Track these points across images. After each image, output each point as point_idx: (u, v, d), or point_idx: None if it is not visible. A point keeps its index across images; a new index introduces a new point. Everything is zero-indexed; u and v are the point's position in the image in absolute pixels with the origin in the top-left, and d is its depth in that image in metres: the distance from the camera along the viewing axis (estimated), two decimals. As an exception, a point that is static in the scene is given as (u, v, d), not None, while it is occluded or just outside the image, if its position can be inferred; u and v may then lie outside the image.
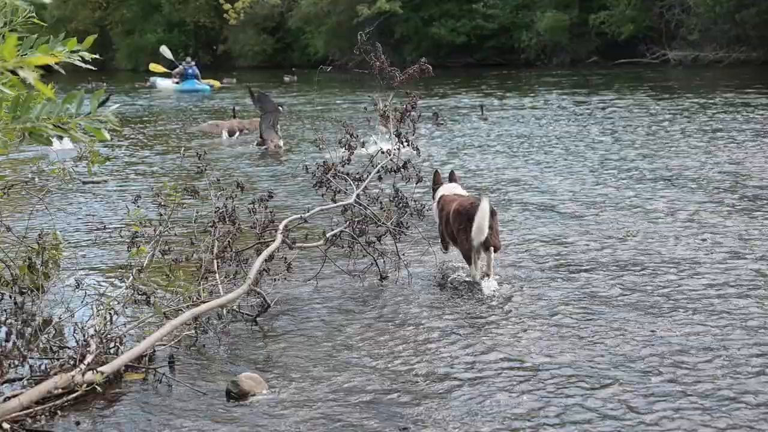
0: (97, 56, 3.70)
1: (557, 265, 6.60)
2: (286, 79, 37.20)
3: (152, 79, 35.46)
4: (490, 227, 5.96)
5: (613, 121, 16.50)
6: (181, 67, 34.23)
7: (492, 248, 6.07)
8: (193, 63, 34.69)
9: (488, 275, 6.12)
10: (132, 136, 17.05)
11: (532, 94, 23.95)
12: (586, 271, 6.40)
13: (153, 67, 35.91)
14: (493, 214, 6.04)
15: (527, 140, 14.43)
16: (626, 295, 5.79)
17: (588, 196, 9.34)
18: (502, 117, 18.38)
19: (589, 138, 14.31)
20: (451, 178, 7.16)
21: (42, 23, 4.12)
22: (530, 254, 6.95)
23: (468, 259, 6.19)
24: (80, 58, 3.54)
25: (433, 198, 6.99)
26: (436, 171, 7.31)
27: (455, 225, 6.26)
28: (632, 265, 6.48)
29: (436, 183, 7.07)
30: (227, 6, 53.34)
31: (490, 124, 16.95)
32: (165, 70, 35.03)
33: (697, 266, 6.40)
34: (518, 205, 9.06)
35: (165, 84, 34.40)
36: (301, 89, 29.33)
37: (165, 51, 35.07)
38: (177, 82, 33.76)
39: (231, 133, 16.90)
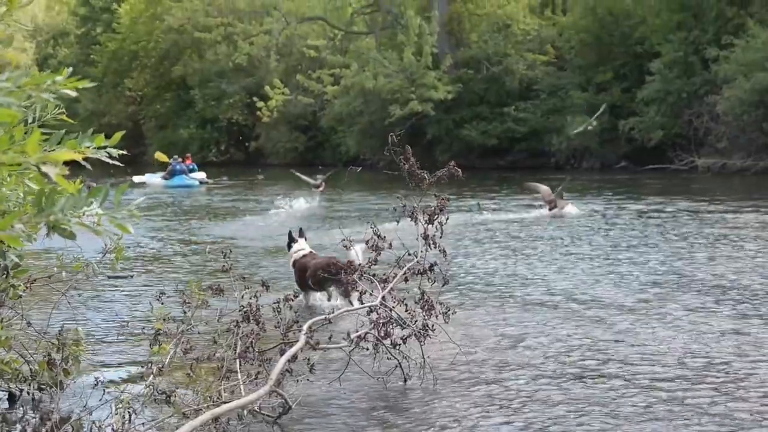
0: (124, 152, 3.71)
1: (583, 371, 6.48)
2: (260, 177, 39.07)
3: (142, 177, 35.98)
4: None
5: (641, 226, 16.42)
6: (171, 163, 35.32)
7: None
8: (180, 159, 35.65)
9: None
10: (158, 230, 17.14)
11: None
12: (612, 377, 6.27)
13: (158, 155, 36.59)
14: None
15: (552, 243, 14.37)
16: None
17: (620, 302, 9.22)
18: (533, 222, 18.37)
19: (619, 243, 14.23)
20: (291, 239, 9.22)
21: (71, 121, 4.14)
22: (544, 353, 6.83)
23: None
24: (107, 154, 3.54)
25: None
26: (290, 231, 9.39)
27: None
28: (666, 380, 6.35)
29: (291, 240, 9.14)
30: (261, 104, 54.11)
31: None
32: (168, 161, 35.88)
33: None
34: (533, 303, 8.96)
35: (155, 180, 35.19)
36: (331, 188, 29.47)
37: (160, 156, 35.84)
38: (166, 178, 34.65)
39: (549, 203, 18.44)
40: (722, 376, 6.35)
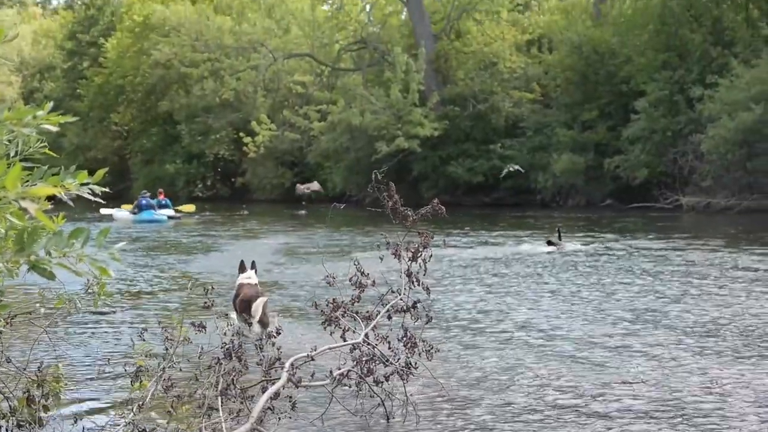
0: (106, 189, 3.70)
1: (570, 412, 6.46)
2: (243, 212, 40.31)
3: (110, 210, 36.12)
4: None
5: (621, 264, 16.46)
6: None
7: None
8: (147, 194, 36.09)
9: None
10: (141, 266, 17.09)
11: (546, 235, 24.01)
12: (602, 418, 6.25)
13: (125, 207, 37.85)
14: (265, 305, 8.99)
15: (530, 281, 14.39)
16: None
17: (607, 343, 9.22)
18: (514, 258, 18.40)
19: (604, 282, 14.26)
20: (242, 268, 9.78)
21: (55, 155, 4.14)
22: (538, 398, 6.81)
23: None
24: (90, 191, 3.53)
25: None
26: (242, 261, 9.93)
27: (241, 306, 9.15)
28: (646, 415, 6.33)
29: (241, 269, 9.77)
30: (247, 139, 54.23)
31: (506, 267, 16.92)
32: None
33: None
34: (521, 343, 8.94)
35: (122, 215, 35.40)
36: (313, 224, 29.48)
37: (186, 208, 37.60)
38: (134, 212, 34.94)
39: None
40: (696, 413, 6.34)
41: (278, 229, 23.67)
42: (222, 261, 18.32)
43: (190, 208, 39.74)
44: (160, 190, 39.34)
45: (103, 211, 34.89)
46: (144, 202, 34.99)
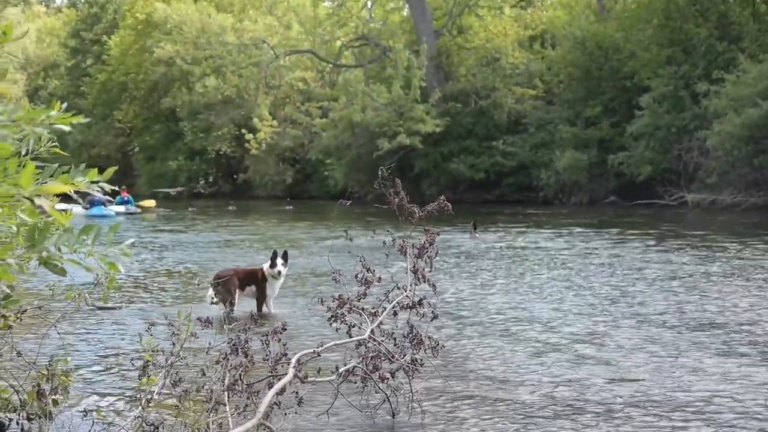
0: (115, 188, 3.74)
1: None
2: (230, 208, 41.26)
3: (65, 206, 36.62)
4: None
5: (631, 263, 16.48)
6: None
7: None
8: (99, 191, 36.57)
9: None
10: (149, 262, 17.12)
11: (550, 233, 24.00)
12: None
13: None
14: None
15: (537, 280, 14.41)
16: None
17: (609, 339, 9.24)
18: (518, 252, 18.41)
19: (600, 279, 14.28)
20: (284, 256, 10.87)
21: (62, 153, 4.17)
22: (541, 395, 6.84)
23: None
24: (100, 189, 3.57)
25: None
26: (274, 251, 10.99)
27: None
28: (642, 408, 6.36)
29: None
30: (249, 136, 54.24)
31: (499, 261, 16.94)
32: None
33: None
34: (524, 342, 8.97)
35: (77, 210, 36.03)
36: (318, 221, 29.47)
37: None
38: (87, 208, 35.66)
39: None
40: (705, 409, 6.37)
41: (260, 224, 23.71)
42: (221, 255, 18.40)
43: (150, 203, 41.07)
44: (123, 187, 39.87)
45: (59, 206, 35.36)
46: (96, 199, 35.73)
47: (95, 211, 35.13)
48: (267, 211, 40.38)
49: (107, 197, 36.17)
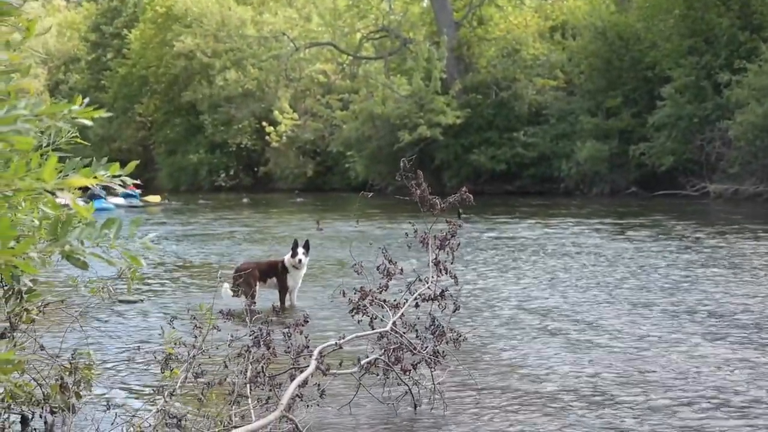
0: (138, 182, 3.73)
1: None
2: (244, 200, 42.07)
3: (65, 200, 37.28)
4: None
5: (658, 253, 16.41)
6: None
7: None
8: (98, 186, 36.93)
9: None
10: (170, 255, 17.19)
11: (571, 224, 23.93)
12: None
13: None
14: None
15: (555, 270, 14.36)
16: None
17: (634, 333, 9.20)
18: (540, 244, 18.37)
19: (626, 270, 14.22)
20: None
21: (85, 143, 4.18)
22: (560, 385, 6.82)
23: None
24: (122, 183, 3.57)
25: None
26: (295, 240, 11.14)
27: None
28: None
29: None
30: (270, 129, 54.30)
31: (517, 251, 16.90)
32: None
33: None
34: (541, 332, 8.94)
35: (79, 203, 36.45)
36: (340, 213, 29.48)
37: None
38: (87, 201, 35.77)
39: None
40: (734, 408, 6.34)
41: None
42: (238, 248, 18.45)
43: (155, 198, 41.23)
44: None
45: (59, 200, 35.69)
46: (96, 191, 36.05)
47: (96, 204, 35.48)
48: (279, 204, 40.50)
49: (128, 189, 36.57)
